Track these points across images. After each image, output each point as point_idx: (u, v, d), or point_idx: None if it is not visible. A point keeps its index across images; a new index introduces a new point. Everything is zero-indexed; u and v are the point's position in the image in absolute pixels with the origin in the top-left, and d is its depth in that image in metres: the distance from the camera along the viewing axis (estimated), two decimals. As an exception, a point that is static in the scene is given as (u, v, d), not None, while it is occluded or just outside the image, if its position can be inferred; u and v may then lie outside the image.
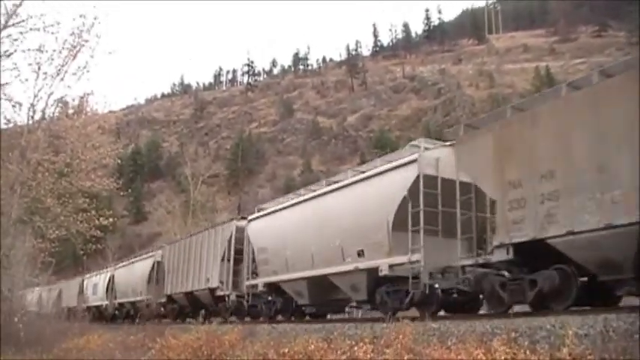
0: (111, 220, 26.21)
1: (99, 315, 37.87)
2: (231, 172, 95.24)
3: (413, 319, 11.55)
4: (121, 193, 38.61)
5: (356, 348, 10.11)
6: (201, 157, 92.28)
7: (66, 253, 45.83)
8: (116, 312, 35.33)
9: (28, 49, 22.06)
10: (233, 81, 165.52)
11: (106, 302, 36.94)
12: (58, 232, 24.12)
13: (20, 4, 21.37)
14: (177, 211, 64.05)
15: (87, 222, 24.34)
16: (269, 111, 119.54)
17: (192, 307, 24.97)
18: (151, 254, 31.39)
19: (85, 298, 41.32)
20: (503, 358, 7.84)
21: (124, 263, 36.45)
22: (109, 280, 36.74)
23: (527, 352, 7.84)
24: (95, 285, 39.95)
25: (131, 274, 33.17)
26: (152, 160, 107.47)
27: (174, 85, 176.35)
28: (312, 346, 11.05)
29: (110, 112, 33.03)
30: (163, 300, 27.62)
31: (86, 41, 23.74)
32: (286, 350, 11.44)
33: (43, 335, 21.64)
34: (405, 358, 9.12)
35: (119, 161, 30.89)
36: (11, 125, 24.24)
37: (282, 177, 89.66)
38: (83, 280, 43.01)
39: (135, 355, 16.17)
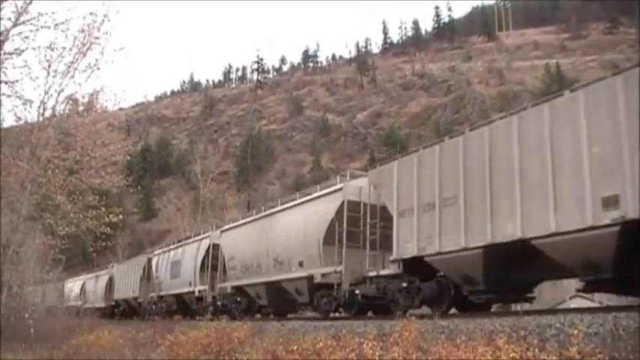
0: (120, 217, 26.23)
1: (179, 308, 26.81)
2: (241, 170, 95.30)
3: (421, 316, 11.54)
4: (131, 190, 38.73)
5: (364, 345, 10.11)
6: (211, 155, 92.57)
7: (76, 250, 45.80)
8: (219, 304, 22.46)
9: (39, 47, 22.10)
10: (242, 78, 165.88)
11: (200, 288, 24.35)
12: (68, 229, 24.17)
13: (31, 2, 21.42)
14: (187, 208, 64.16)
15: (97, 219, 24.38)
16: (278, 108, 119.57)
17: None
18: (330, 190, 17.44)
19: (156, 284, 28.84)
20: (511, 356, 7.81)
21: (242, 221, 22.92)
22: (207, 252, 24.35)
23: (537, 351, 7.81)
24: (175, 263, 27.26)
25: (268, 236, 19.73)
26: (162, 157, 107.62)
27: (183, 82, 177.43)
28: (321, 344, 11.05)
29: (120, 109, 33.02)
30: (386, 272, 14.35)
31: (96, 39, 23.80)
32: (295, 347, 11.44)
33: (52, 331, 21.74)
34: (414, 356, 9.11)
35: (129, 158, 30.92)
36: (22, 122, 24.34)
37: (292, 174, 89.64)
38: (150, 260, 30.93)
39: (144, 352, 16.22)
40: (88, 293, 41.06)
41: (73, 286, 44.12)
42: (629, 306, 9.31)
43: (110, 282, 37.02)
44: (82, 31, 23.52)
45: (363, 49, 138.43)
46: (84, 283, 42.59)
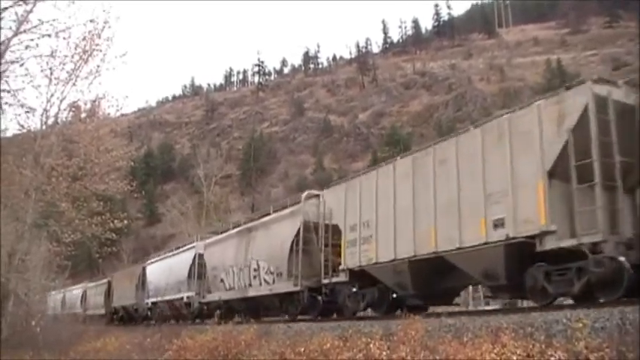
0: (125, 222, 26.21)
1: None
2: (244, 172, 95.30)
3: (427, 315, 11.55)
4: (135, 196, 38.68)
5: (371, 345, 10.11)
6: (214, 158, 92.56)
7: (81, 256, 45.79)
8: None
9: (40, 55, 22.10)
10: (244, 81, 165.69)
11: None
12: (73, 236, 24.16)
13: (31, 11, 21.43)
14: (191, 212, 64.36)
15: (101, 225, 24.37)
16: (280, 110, 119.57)
17: None
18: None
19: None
20: (518, 352, 7.81)
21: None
22: None
23: (543, 347, 7.80)
24: None
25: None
26: (165, 162, 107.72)
27: (185, 86, 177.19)
28: (328, 345, 11.06)
29: (122, 115, 33.02)
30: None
31: (97, 45, 23.79)
32: (302, 349, 11.45)
33: (60, 338, 21.81)
34: (421, 355, 9.11)
35: (132, 164, 30.92)
36: (25, 131, 24.37)
37: (295, 176, 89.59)
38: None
39: (152, 357, 16.25)
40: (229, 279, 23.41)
41: (169, 267, 29.67)
42: (635, 300, 9.31)
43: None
44: (84, 38, 23.54)
45: (364, 49, 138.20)
46: (197, 256, 26.71)
